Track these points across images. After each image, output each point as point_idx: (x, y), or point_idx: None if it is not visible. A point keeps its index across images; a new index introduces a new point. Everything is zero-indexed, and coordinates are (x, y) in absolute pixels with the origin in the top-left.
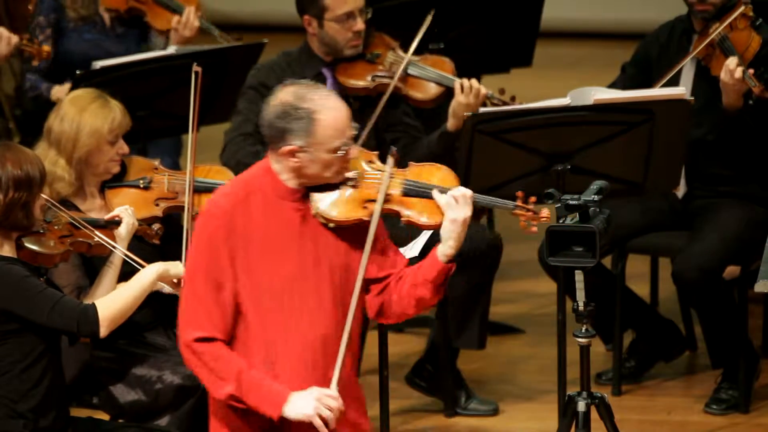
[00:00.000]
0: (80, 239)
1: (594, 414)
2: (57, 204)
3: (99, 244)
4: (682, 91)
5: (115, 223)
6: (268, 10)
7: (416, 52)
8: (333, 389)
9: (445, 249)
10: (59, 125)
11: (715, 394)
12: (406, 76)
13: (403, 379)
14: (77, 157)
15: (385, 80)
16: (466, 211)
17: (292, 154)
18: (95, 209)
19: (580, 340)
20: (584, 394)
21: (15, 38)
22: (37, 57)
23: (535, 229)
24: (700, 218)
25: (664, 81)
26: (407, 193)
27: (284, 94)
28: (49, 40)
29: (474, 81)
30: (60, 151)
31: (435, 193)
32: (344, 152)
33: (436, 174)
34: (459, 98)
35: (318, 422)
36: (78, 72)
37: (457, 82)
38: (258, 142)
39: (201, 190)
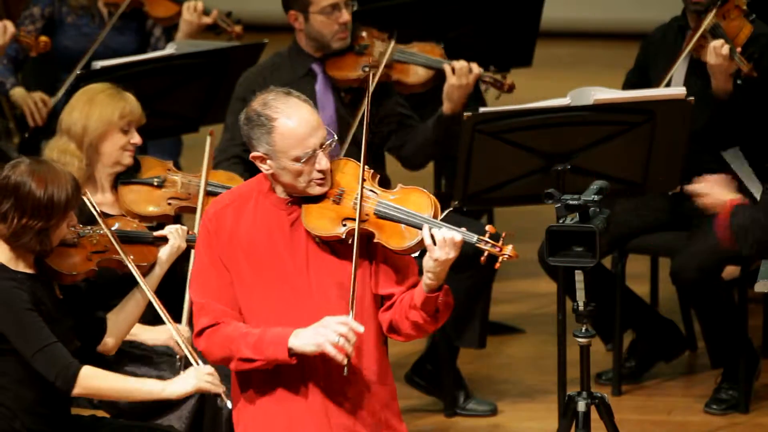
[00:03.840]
0: (115, 257)
1: (594, 414)
2: (103, 218)
3: (137, 264)
4: (682, 91)
5: (163, 240)
6: (268, 10)
7: (405, 42)
8: (342, 318)
9: (425, 280)
10: (69, 115)
11: (715, 394)
12: (394, 63)
13: (403, 379)
14: (87, 142)
15: (377, 69)
16: (449, 254)
17: (261, 160)
18: (107, 203)
19: (580, 340)
20: (584, 394)
21: (11, 28)
22: (34, 48)
23: (497, 265)
24: (699, 218)
25: (664, 83)
26: (381, 216)
27: (254, 101)
28: (35, 33)
29: (463, 61)
30: (71, 137)
31: (424, 229)
32: (305, 162)
33: (414, 199)
34: (451, 80)
35: (331, 350)
36: (78, 72)
37: (446, 65)
38: (249, 167)
39: (215, 193)
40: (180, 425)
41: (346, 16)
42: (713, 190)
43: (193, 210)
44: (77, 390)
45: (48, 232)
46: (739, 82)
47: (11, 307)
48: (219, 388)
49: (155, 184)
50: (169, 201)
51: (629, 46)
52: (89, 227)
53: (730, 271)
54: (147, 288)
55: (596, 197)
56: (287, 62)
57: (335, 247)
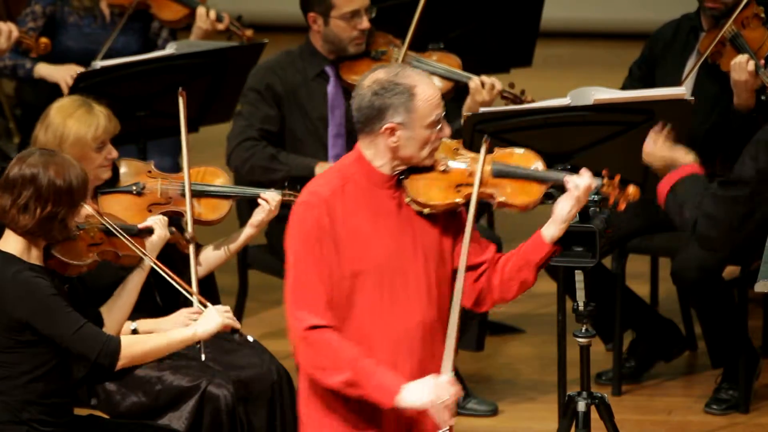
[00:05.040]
0: (110, 248)
1: (594, 414)
2: (97, 209)
3: (127, 255)
4: (682, 91)
5: (148, 232)
6: (268, 10)
7: (421, 50)
8: (448, 377)
9: (555, 231)
10: (44, 135)
11: (715, 394)
12: None
13: None
14: None
15: None
16: (583, 201)
17: (391, 132)
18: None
19: (580, 340)
20: (584, 394)
21: (15, 32)
22: (35, 50)
23: (621, 206)
24: None
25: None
26: (499, 174)
27: (377, 74)
28: (36, 31)
29: (485, 76)
30: None
31: (568, 177)
32: (440, 127)
33: (516, 155)
34: (476, 96)
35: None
36: (78, 71)
37: (474, 80)
38: (268, 144)
39: (195, 194)
40: (180, 425)
41: (365, 23)
42: (655, 147)
43: (175, 213)
44: (122, 361)
45: (66, 221)
46: (763, 98)
47: (35, 294)
48: (237, 324)
49: (134, 191)
50: (150, 208)
51: (629, 46)
52: (83, 221)
53: (731, 271)
54: (153, 260)
55: (596, 197)
56: (299, 61)
57: (439, 220)
